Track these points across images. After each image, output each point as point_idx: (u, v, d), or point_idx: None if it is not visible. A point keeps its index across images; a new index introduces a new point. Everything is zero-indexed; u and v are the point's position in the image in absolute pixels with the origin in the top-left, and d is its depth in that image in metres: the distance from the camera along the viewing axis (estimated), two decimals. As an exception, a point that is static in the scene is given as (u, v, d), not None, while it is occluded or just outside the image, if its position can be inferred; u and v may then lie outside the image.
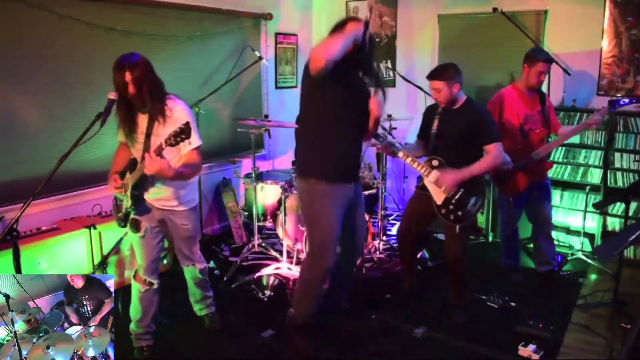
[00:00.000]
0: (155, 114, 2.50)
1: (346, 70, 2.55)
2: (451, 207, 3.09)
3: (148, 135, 2.52)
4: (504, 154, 3.13)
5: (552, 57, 3.64)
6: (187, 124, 2.22)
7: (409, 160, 3.13)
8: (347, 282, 3.03)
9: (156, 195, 2.66)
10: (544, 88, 3.71)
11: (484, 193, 3.14)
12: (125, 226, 2.70)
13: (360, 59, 2.56)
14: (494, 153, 3.04)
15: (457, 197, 3.07)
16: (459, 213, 3.08)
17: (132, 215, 2.64)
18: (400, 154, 3.12)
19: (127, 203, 2.61)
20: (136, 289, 2.80)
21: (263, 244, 4.16)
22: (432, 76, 3.08)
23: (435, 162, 3.13)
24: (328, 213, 2.72)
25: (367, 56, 2.58)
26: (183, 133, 2.22)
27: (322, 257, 2.75)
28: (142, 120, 2.55)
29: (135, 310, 2.84)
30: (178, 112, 2.52)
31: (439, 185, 3.09)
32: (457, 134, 3.09)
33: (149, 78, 2.47)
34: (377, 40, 5.48)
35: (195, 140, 2.52)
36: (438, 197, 3.12)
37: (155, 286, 2.80)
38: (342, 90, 2.64)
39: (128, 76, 2.40)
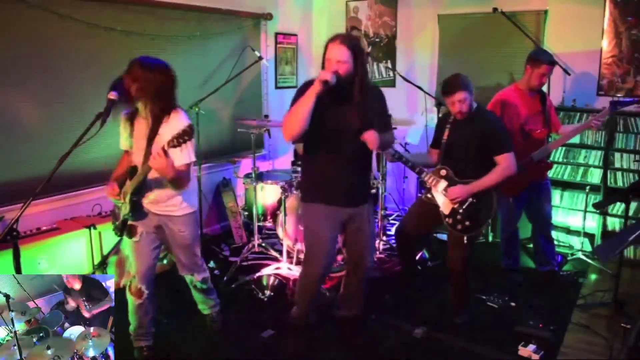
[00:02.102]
0: (159, 120, 2.51)
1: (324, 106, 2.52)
2: (459, 217, 3.02)
3: (150, 140, 2.51)
4: (515, 164, 3.01)
5: (555, 60, 3.63)
6: (190, 126, 2.31)
7: (421, 172, 3.10)
8: (358, 294, 3.04)
9: (154, 199, 2.65)
10: (544, 88, 3.71)
11: (493, 204, 3.04)
12: (122, 234, 2.69)
13: (339, 90, 2.49)
14: (504, 164, 2.97)
15: (464, 207, 3.01)
16: (467, 223, 3.02)
17: (129, 222, 2.64)
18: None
19: (125, 210, 2.61)
20: (131, 300, 2.79)
21: (263, 244, 4.16)
22: (455, 89, 2.93)
23: (443, 172, 3.06)
24: (314, 226, 2.79)
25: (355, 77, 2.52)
26: (186, 134, 2.28)
27: (311, 263, 2.82)
28: (141, 125, 2.56)
29: (132, 318, 2.84)
30: (177, 119, 2.52)
31: (447, 195, 3.03)
32: (468, 143, 3.02)
33: (170, 86, 2.52)
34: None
35: (191, 155, 2.55)
36: (445, 206, 3.06)
37: (146, 295, 2.77)
38: (322, 123, 2.57)
39: (148, 75, 2.42)
